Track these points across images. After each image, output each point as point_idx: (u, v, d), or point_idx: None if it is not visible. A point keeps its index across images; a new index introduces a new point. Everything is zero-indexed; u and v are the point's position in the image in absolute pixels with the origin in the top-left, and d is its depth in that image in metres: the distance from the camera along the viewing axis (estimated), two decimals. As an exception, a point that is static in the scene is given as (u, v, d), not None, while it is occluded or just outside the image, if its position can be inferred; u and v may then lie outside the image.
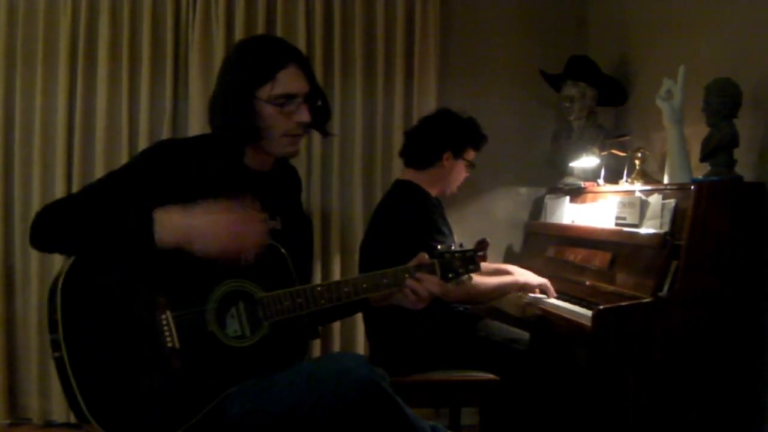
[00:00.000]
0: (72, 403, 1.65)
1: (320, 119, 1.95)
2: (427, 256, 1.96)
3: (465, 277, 1.99)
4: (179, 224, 1.70)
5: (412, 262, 1.94)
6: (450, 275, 1.96)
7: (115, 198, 1.75)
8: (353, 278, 1.89)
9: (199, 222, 1.71)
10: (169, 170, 1.80)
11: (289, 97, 1.84)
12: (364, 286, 1.87)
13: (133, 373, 1.68)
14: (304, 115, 1.87)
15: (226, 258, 1.74)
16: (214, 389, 1.73)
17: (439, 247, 1.99)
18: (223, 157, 1.88)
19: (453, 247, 2.01)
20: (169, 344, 1.71)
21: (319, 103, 1.93)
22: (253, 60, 1.85)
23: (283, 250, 1.85)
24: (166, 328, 1.71)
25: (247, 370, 1.76)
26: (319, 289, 1.83)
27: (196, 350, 1.73)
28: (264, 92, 1.83)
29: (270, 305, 1.79)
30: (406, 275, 1.91)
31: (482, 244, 2.02)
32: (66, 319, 1.67)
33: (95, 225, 1.70)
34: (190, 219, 1.71)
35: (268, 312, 1.79)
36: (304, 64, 1.89)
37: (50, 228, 1.73)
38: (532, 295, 2.89)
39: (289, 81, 1.84)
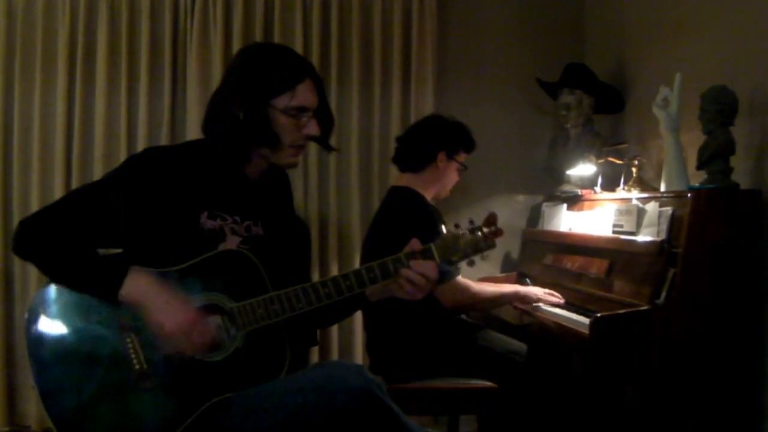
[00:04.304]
0: None
1: (325, 133, 1.95)
2: (419, 242, 1.80)
3: (476, 257, 1.79)
4: (143, 290, 1.70)
5: (404, 251, 1.80)
6: (455, 258, 1.79)
7: (97, 211, 1.76)
8: (333, 277, 1.79)
9: (158, 303, 1.69)
10: (152, 178, 1.80)
11: (302, 110, 1.85)
12: (348, 283, 1.77)
13: (105, 399, 1.68)
14: (314, 129, 1.87)
15: (163, 342, 1.71)
16: (190, 405, 1.71)
17: (443, 228, 1.80)
18: (211, 164, 1.87)
19: (458, 226, 1.78)
20: (137, 366, 1.71)
21: (324, 117, 1.92)
22: (272, 69, 1.84)
23: (253, 258, 1.81)
24: (132, 350, 1.71)
25: (222, 383, 1.74)
26: (294, 293, 1.76)
27: (168, 369, 1.72)
28: (281, 102, 1.82)
29: (243, 315, 1.75)
30: (397, 266, 1.78)
31: (491, 218, 1.78)
32: (33, 353, 1.68)
33: (70, 255, 1.71)
34: (153, 296, 1.69)
35: (240, 322, 1.75)
36: (317, 78, 1.90)
37: (30, 244, 1.75)
38: (541, 305, 2.89)
39: (305, 94, 1.84)
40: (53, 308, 1.72)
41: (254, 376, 1.76)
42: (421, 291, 1.80)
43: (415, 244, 1.81)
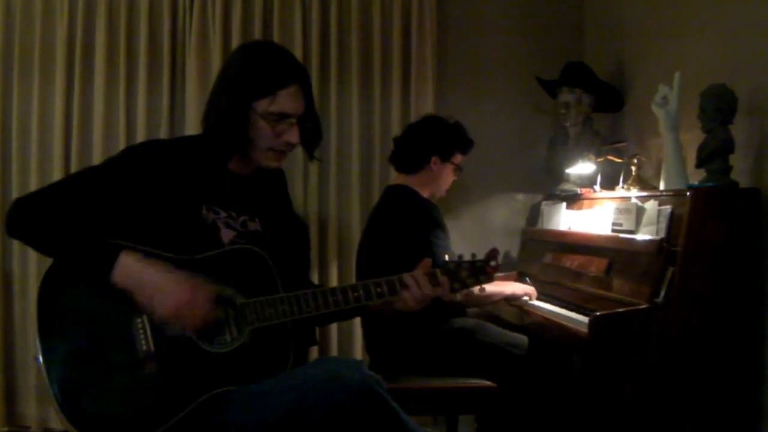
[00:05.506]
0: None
1: (310, 141, 1.96)
2: (430, 263, 1.91)
3: (476, 288, 1.93)
4: (135, 271, 1.69)
5: (413, 272, 1.90)
6: (456, 285, 1.91)
7: (95, 196, 1.77)
8: (343, 287, 1.86)
9: (152, 278, 1.69)
10: (150, 170, 1.82)
11: (283, 116, 1.85)
12: (356, 295, 1.85)
13: (109, 376, 1.69)
14: (293, 137, 1.88)
15: (165, 323, 1.71)
16: (190, 394, 1.72)
17: (446, 257, 1.94)
18: (206, 159, 1.90)
19: (461, 257, 1.93)
20: (144, 347, 1.71)
21: (311, 126, 1.93)
22: (257, 71, 1.85)
23: (265, 255, 1.84)
24: (141, 331, 1.72)
25: (225, 376, 1.75)
26: (305, 297, 1.81)
27: (172, 354, 1.73)
28: (261, 106, 1.84)
29: (251, 312, 1.78)
30: (400, 284, 1.87)
31: (493, 253, 1.94)
32: (43, 326, 1.69)
33: (65, 236, 1.71)
34: (147, 272, 1.69)
35: (249, 318, 1.78)
36: (306, 85, 1.90)
37: (25, 223, 1.74)
38: (526, 299, 2.92)
39: (287, 101, 1.85)
40: (66, 284, 1.72)
41: (257, 372, 1.77)
42: (421, 305, 1.91)
43: (425, 266, 1.90)
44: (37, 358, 1.68)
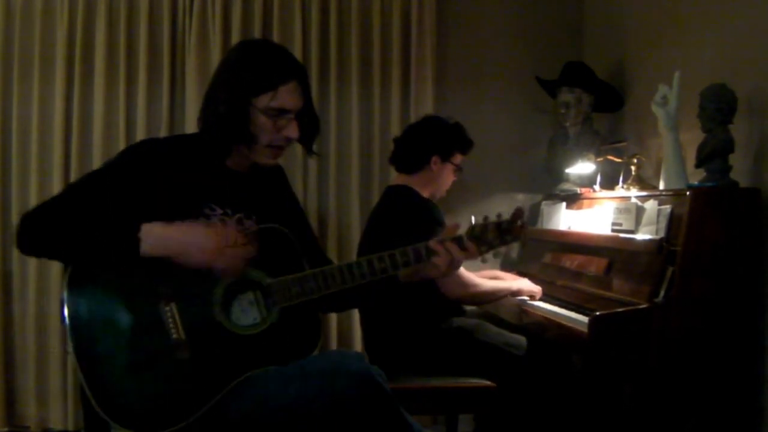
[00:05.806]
0: (84, 401, 1.67)
1: (308, 136, 1.97)
2: (456, 228, 1.90)
3: (502, 249, 1.92)
4: (162, 236, 1.71)
5: (440, 237, 1.90)
6: (483, 248, 1.90)
7: (99, 199, 1.77)
8: (368, 258, 1.85)
9: (180, 234, 1.73)
10: (150, 169, 1.83)
11: (283, 111, 1.86)
12: (382, 265, 1.85)
13: (141, 366, 1.70)
14: (293, 131, 1.89)
15: (211, 266, 1.74)
16: (224, 377, 1.73)
17: (472, 219, 1.92)
18: (205, 156, 1.90)
19: (487, 218, 1.90)
20: (175, 336, 1.73)
21: (308, 120, 1.94)
22: (258, 67, 1.86)
23: (291, 236, 1.86)
24: (170, 320, 1.73)
25: (257, 357, 1.77)
26: (330, 272, 1.82)
27: (203, 340, 1.74)
28: (262, 101, 1.84)
29: (278, 291, 1.79)
30: (429, 251, 1.86)
31: (519, 213, 1.91)
32: (73, 317, 1.69)
33: (80, 234, 1.71)
34: (172, 232, 1.73)
35: (276, 298, 1.79)
36: (304, 81, 1.91)
37: (36, 236, 1.74)
38: (526, 299, 2.92)
39: (287, 96, 1.86)
40: (91, 279, 1.73)
41: (288, 352, 1.79)
42: (452, 271, 1.91)
43: (451, 231, 1.90)
44: (67, 352, 1.69)
